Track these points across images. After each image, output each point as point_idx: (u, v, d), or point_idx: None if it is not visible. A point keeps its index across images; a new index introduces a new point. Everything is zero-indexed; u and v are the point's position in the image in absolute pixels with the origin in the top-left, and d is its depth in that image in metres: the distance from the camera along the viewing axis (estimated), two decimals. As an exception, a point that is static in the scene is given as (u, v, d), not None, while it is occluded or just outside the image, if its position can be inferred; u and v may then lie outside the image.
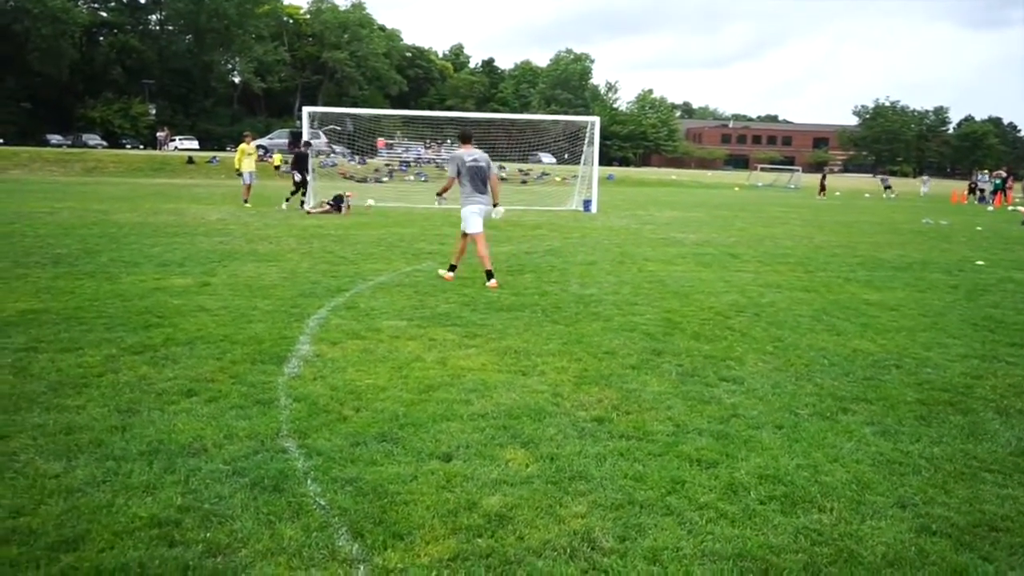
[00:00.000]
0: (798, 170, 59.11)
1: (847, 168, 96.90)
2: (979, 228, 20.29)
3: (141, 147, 60.74)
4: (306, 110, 20.68)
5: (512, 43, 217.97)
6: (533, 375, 5.33)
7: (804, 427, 4.43)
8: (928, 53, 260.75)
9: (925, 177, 56.64)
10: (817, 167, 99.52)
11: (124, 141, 66.01)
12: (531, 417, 4.45)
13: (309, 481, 3.53)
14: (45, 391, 4.66)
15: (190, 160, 42.07)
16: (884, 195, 44.37)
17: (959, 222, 22.92)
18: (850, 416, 4.65)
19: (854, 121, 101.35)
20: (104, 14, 79.75)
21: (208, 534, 3.03)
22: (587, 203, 21.30)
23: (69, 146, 58.11)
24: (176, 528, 3.06)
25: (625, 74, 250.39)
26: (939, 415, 4.70)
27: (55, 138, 61.89)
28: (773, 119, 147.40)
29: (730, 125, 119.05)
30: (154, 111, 70.88)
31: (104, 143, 63.38)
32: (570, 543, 3.03)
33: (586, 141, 22.31)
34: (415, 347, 5.98)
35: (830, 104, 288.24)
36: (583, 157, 22.88)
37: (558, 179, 38.69)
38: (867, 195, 45.58)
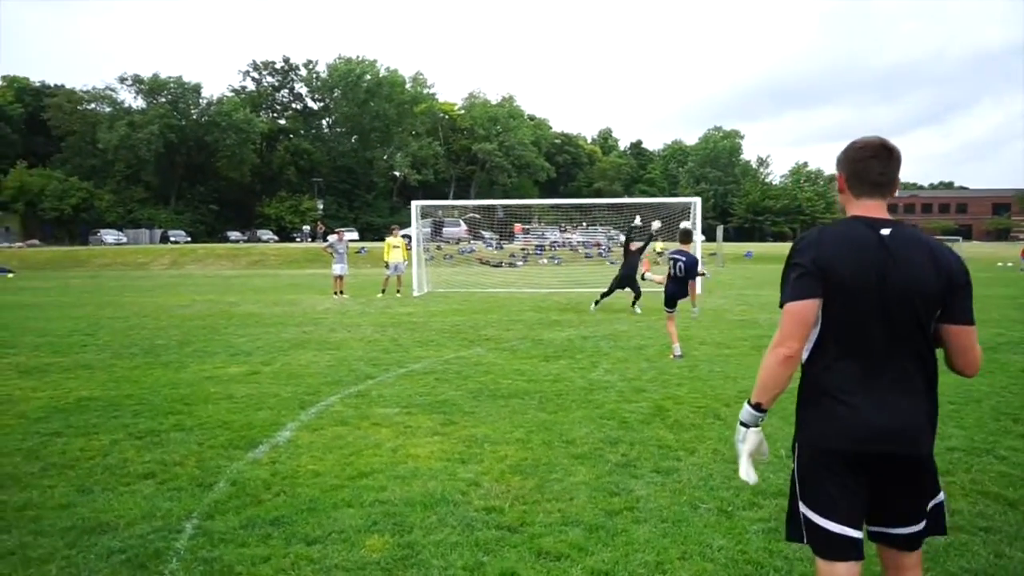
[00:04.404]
0: (958, 239, 54.83)
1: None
2: None
3: (309, 240, 66.15)
4: (415, 204, 22.17)
5: (661, 124, 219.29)
6: (471, 463, 5.54)
7: (690, 522, 4.36)
8: None
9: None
10: (997, 235, 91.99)
11: (294, 235, 72.08)
12: (426, 505, 4.67)
13: (175, 560, 3.95)
14: (35, 472, 5.41)
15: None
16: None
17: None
18: (752, 512, 4.52)
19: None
20: (282, 122, 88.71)
21: (50, 602, 3.50)
22: (691, 283, 21.05)
23: (245, 241, 64.34)
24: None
25: (786, 149, 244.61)
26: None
27: (234, 234, 68.72)
28: (948, 186, 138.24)
29: (896, 194, 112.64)
30: (321, 206, 76.97)
31: (276, 238, 69.54)
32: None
33: (690, 221, 22.22)
34: (385, 434, 6.34)
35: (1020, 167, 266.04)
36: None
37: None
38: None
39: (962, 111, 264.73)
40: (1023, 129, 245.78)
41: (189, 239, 64.71)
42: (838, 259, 2.42)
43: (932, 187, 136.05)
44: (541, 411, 7.13)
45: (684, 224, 11.32)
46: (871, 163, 2.51)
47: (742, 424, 2.60)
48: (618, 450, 5.81)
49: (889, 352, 2.43)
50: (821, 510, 2.46)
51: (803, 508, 2.52)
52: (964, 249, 52.24)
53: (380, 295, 20.93)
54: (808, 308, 2.43)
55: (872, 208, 2.52)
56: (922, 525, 2.52)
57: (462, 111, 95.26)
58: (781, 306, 2.51)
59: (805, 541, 2.53)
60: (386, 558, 3.93)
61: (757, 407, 2.54)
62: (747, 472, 2.61)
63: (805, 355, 2.52)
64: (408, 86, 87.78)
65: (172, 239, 62.93)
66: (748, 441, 2.58)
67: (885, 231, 2.46)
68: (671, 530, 4.25)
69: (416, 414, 7.04)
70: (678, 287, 10.32)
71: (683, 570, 3.75)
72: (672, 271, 10.28)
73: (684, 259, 10.19)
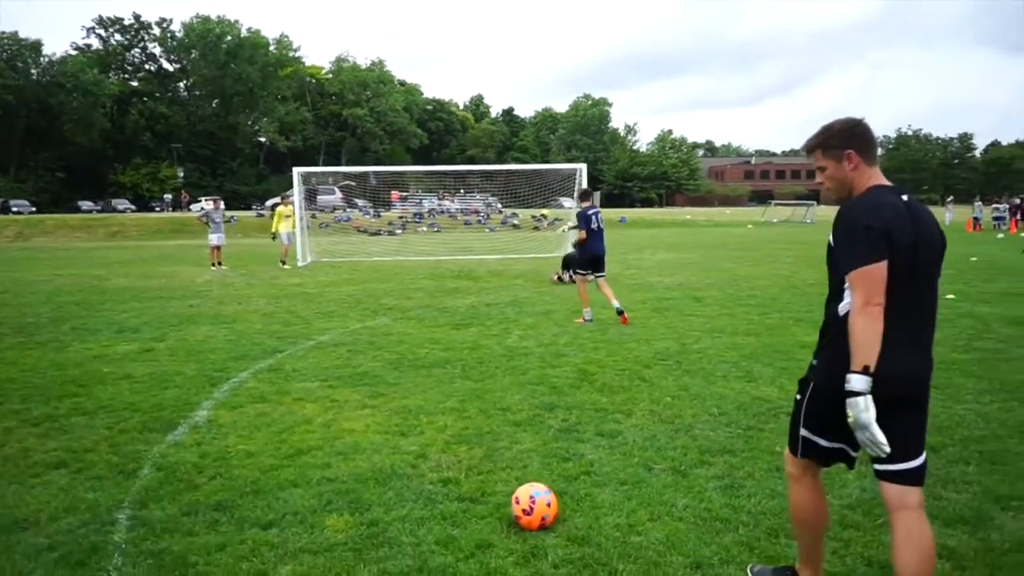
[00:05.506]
0: (813, 204, 58.58)
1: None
2: (974, 259, 19.94)
3: (170, 209, 62.49)
4: (296, 171, 21.35)
5: (532, 92, 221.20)
6: (411, 435, 5.39)
7: (649, 483, 4.41)
8: (970, 79, 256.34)
9: (949, 205, 53.05)
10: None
11: (153, 204, 68.01)
12: (378, 481, 4.50)
13: (116, 555, 3.62)
14: (-78, 468, 4.83)
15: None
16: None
17: (957, 253, 22.48)
18: (704, 469, 4.62)
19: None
20: (135, 83, 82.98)
21: (-17, 612, 3.13)
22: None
23: (99, 211, 60.11)
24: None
25: (651, 117, 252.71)
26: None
27: (85, 204, 64.06)
28: (798, 153, 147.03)
29: (753, 161, 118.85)
30: (182, 174, 72.87)
31: (133, 207, 65.40)
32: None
33: (576, 188, 22.52)
34: (312, 410, 6.07)
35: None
36: (573, 203, 23.09)
37: (561, 225, 38.68)
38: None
39: (809, 82, 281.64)
40: (863, 100, 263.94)
41: (34, 209, 59.68)
42: (895, 224, 2.55)
43: (784, 154, 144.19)
44: (467, 379, 7.04)
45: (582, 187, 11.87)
46: (871, 134, 2.73)
47: (857, 394, 2.48)
48: (556, 416, 5.81)
49: (912, 307, 2.63)
50: (821, 433, 2.83)
51: (804, 432, 2.88)
52: (816, 213, 55.85)
53: (283, 265, 20.11)
54: (884, 269, 2.51)
55: (881, 176, 2.71)
56: (923, 458, 2.71)
57: (330, 75, 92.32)
58: (853, 269, 2.54)
59: (800, 455, 2.93)
60: (352, 538, 3.75)
61: (866, 371, 2.48)
62: (883, 438, 2.49)
63: (842, 309, 2.63)
64: (272, 48, 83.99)
65: (15, 210, 57.77)
66: (871, 408, 2.47)
67: (904, 197, 2.65)
68: (633, 492, 4.28)
69: (339, 387, 6.78)
70: (599, 243, 10.38)
71: (655, 531, 3.78)
72: (595, 225, 10.30)
73: (598, 211, 10.58)
